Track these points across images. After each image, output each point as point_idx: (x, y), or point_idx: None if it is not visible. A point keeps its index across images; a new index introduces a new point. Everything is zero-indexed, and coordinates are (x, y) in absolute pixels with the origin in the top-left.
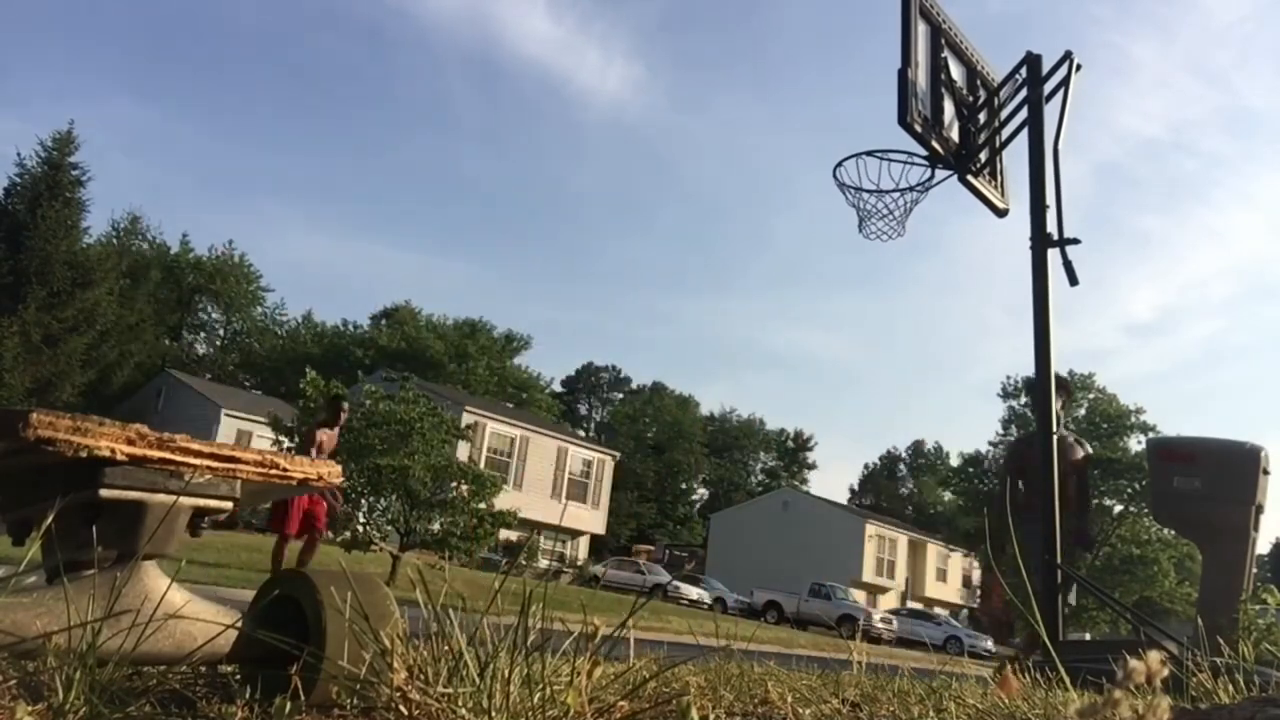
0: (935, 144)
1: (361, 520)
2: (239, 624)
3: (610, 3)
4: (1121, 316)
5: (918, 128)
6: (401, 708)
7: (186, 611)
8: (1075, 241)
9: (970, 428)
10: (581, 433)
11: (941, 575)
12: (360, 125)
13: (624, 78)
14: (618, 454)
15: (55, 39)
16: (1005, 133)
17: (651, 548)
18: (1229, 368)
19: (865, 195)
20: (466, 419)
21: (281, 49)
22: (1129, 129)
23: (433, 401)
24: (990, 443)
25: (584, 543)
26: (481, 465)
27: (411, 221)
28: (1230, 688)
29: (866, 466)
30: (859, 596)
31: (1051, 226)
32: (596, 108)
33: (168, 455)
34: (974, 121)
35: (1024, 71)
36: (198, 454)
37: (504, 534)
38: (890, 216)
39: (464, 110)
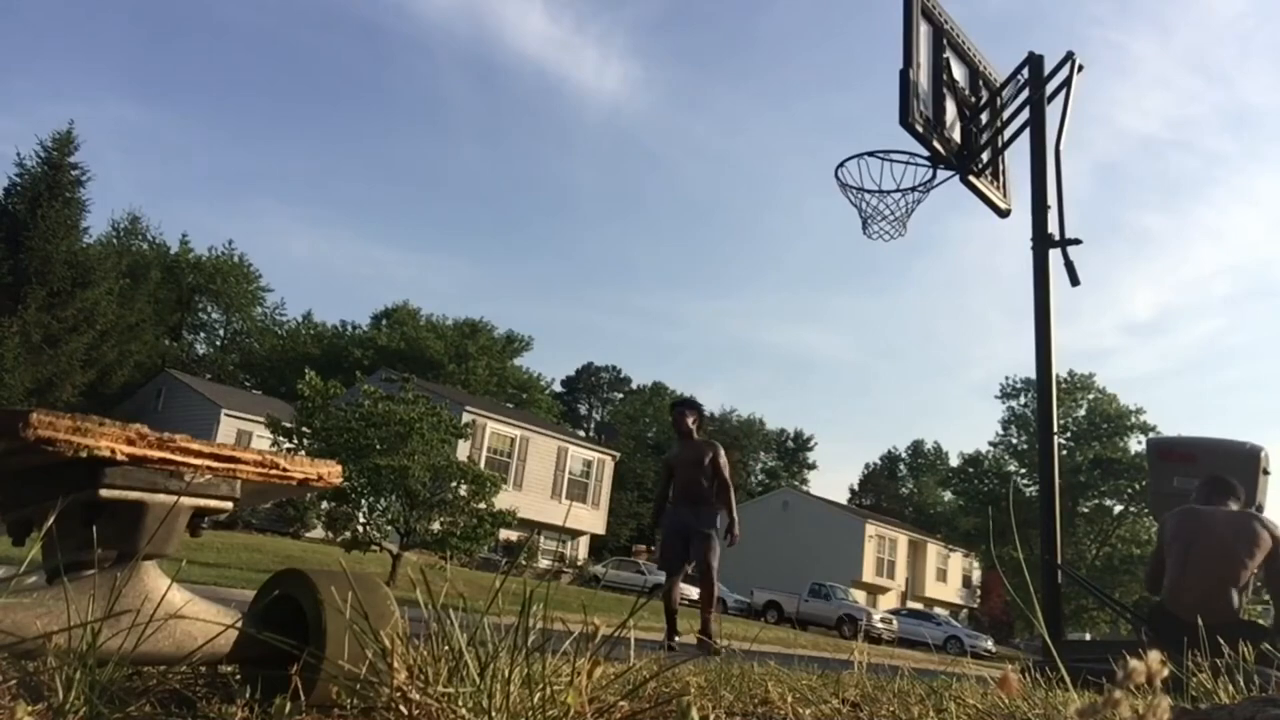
0: (937, 144)
1: (362, 520)
2: (239, 624)
3: (608, 2)
4: (1122, 316)
5: (919, 128)
6: (401, 708)
7: (186, 611)
8: (1076, 241)
9: (970, 428)
10: (581, 433)
11: (941, 575)
12: (360, 125)
13: (621, 77)
14: (618, 454)
15: (55, 39)
16: (1007, 133)
17: (651, 548)
18: (1229, 367)
19: (867, 195)
20: (466, 419)
21: (281, 48)
22: (1129, 127)
23: (432, 402)
24: (990, 443)
25: (584, 543)
26: (481, 465)
27: (411, 221)
28: (1230, 688)
29: (866, 466)
30: (859, 596)
31: (1053, 227)
32: (594, 107)
33: (168, 455)
34: (976, 122)
35: (1026, 72)
36: (198, 454)
37: (504, 534)
38: (892, 216)
39: (463, 110)
